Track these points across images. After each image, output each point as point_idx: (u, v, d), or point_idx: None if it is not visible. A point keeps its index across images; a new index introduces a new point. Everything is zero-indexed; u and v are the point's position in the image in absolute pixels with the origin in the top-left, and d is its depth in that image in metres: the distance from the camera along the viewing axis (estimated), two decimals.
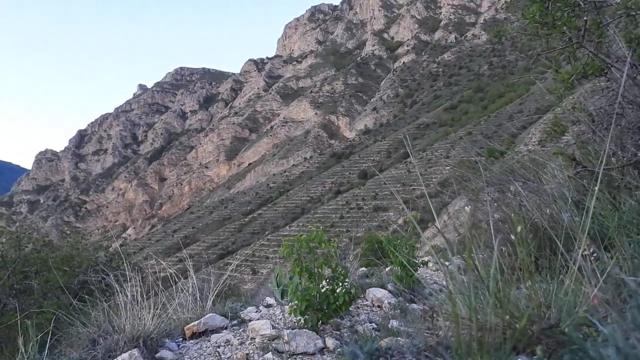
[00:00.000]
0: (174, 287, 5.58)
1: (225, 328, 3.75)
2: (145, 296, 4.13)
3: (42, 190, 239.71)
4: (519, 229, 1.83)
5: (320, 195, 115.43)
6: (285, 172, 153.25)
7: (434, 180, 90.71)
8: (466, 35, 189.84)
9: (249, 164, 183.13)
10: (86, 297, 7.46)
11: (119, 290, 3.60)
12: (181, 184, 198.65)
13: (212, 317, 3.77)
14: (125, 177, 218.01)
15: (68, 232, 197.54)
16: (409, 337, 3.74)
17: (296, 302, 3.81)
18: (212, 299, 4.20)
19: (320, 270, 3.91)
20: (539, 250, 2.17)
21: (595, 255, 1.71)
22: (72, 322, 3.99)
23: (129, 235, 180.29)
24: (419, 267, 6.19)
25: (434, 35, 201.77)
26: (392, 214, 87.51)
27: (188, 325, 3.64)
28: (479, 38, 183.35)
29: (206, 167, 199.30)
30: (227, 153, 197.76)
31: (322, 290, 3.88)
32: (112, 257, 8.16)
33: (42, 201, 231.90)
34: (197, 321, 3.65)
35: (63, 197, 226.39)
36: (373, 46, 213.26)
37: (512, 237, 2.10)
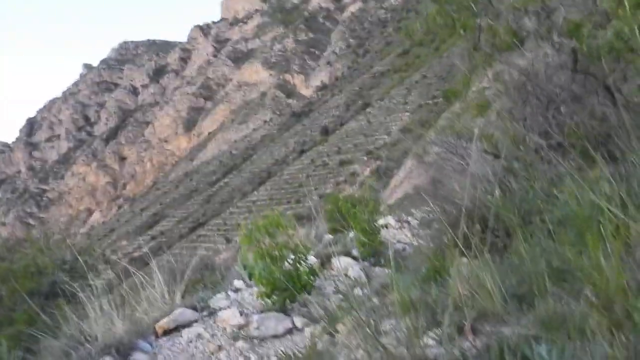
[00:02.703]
0: (141, 279, 5.64)
1: (196, 321, 3.87)
2: (112, 298, 4.21)
3: None
4: None
5: (284, 157, 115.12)
6: (246, 137, 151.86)
7: (394, 128, 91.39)
8: None
9: (209, 133, 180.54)
10: (56, 299, 7.46)
11: (86, 302, 3.66)
12: (142, 162, 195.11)
13: (182, 312, 3.88)
14: (84, 160, 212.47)
15: (33, 223, 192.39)
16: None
17: (262, 286, 3.94)
18: (180, 293, 4.29)
19: (280, 252, 4.04)
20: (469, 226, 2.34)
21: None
22: (44, 334, 4.05)
23: (96, 220, 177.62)
24: (380, 229, 6.40)
25: None
26: (357, 166, 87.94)
27: (159, 323, 3.74)
28: None
29: (165, 142, 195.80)
30: (185, 124, 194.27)
31: (286, 271, 4.02)
32: (79, 253, 8.11)
33: (0, 195, 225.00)
34: (167, 318, 3.75)
35: (22, 189, 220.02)
36: None
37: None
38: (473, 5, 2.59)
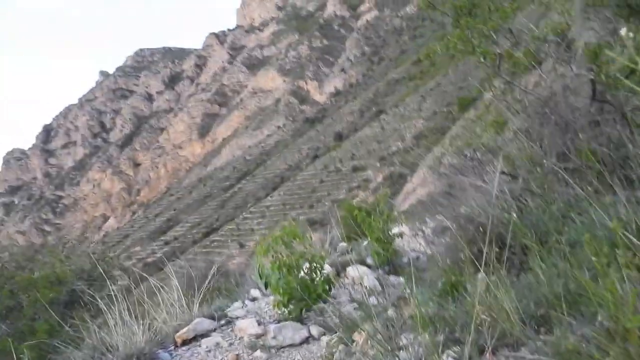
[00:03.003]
0: (159, 287, 5.71)
1: (214, 330, 3.93)
2: (130, 306, 4.27)
3: (15, 191, 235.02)
4: None
5: (298, 162, 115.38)
6: (260, 143, 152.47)
7: (408, 135, 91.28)
8: None
9: (223, 139, 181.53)
10: (76, 307, 7.57)
11: (106, 310, 3.74)
12: (156, 167, 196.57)
13: (201, 321, 3.94)
14: (99, 167, 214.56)
15: (48, 230, 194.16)
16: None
17: (278, 296, 4.00)
18: (198, 303, 4.36)
19: (297, 263, 4.10)
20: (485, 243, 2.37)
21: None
22: (66, 345, 4.12)
23: (110, 226, 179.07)
24: (395, 238, 6.43)
25: None
26: (370, 172, 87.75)
27: (178, 333, 3.81)
28: None
29: (180, 148, 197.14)
30: (199, 130, 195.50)
31: (302, 281, 4.08)
32: (98, 262, 8.23)
33: (16, 202, 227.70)
34: (187, 328, 3.82)
35: (38, 195, 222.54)
36: (334, 6, 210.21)
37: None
38: (493, 34, 2.63)
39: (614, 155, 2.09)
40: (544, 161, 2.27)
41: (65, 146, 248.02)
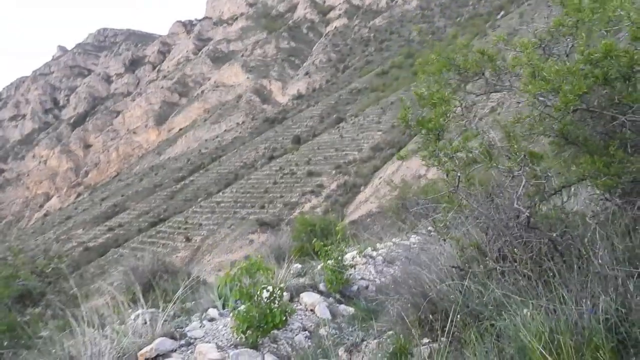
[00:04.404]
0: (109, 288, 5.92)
1: (175, 351, 4.19)
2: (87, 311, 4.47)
3: None
4: None
5: (253, 161, 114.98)
6: (217, 137, 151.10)
7: (365, 145, 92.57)
8: (397, 0, 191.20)
9: (180, 129, 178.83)
10: (26, 303, 7.63)
11: (71, 319, 3.92)
12: (108, 151, 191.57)
13: (162, 341, 4.18)
14: (47, 143, 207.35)
15: None
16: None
17: (239, 322, 4.30)
18: (161, 323, 4.58)
19: (259, 294, 4.41)
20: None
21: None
22: (28, 348, 4.28)
23: (52, 206, 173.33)
24: (347, 269, 6.80)
25: None
26: (325, 178, 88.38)
27: (141, 352, 4.04)
28: (409, 3, 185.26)
29: (134, 133, 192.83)
30: (157, 118, 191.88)
31: (261, 310, 4.39)
32: (50, 261, 8.28)
33: None
34: (149, 347, 4.06)
35: None
36: (305, 9, 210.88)
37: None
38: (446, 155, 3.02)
39: (538, 269, 2.55)
40: (485, 259, 2.72)
41: (13, 118, 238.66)
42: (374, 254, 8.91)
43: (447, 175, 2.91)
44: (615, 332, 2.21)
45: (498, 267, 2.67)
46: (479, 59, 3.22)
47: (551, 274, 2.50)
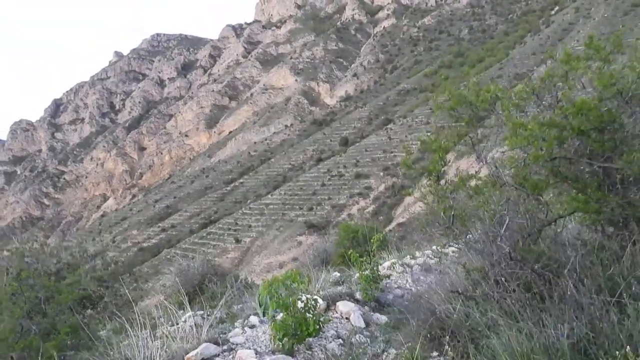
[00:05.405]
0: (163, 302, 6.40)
1: (218, 355, 4.58)
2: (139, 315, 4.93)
3: (18, 161, 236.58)
4: None
5: (301, 163, 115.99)
6: (266, 139, 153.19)
7: (414, 146, 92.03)
8: None
9: (230, 132, 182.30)
10: (85, 305, 8.24)
11: (126, 324, 4.38)
12: (161, 153, 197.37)
13: (207, 346, 4.59)
14: (104, 146, 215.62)
15: (47, 203, 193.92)
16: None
17: (276, 331, 4.67)
18: (207, 329, 5.00)
19: (294, 304, 4.75)
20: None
21: None
22: (89, 349, 4.78)
23: (109, 207, 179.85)
24: (382, 279, 7.06)
25: None
26: (373, 180, 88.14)
27: (187, 355, 4.46)
28: (459, 2, 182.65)
29: (186, 136, 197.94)
30: (207, 121, 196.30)
31: (296, 319, 4.73)
32: (109, 266, 8.90)
33: (19, 172, 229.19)
34: (195, 351, 4.47)
35: (40, 168, 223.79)
36: (353, 10, 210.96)
37: None
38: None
39: (526, 295, 2.81)
40: (483, 285, 2.99)
41: (72, 122, 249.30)
42: (412, 262, 9.13)
43: (443, 214, 3.19)
44: (585, 354, 2.49)
45: (493, 292, 2.93)
46: (489, 99, 3.47)
47: (538, 300, 2.76)
